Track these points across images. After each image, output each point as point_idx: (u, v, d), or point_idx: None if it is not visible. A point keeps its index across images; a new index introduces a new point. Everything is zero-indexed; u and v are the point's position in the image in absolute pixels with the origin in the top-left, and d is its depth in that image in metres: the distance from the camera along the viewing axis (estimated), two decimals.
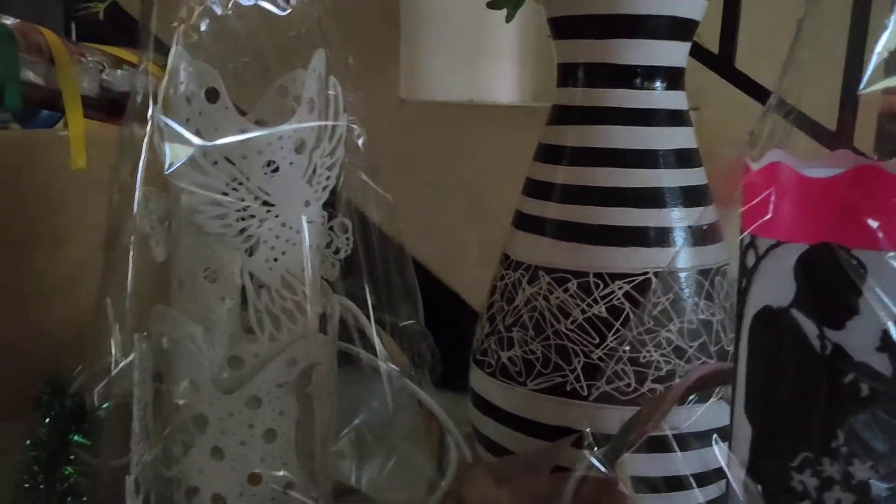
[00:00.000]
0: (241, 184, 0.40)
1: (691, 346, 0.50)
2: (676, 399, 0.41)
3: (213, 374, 0.41)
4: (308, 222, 0.43)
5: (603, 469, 0.42)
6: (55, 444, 0.49)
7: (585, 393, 0.50)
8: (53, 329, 0.57)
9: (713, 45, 0.73)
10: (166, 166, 0.39)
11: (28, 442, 0.49)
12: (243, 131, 0.40)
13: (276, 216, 0.41)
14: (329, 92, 0.42)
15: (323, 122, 0.42)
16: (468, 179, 0.85)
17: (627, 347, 0.49)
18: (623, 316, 0.49)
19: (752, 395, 0.33)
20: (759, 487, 0.32)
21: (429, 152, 0.86)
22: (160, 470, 0.43)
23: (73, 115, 0.58)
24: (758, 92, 0.72)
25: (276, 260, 0.42)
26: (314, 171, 0.42)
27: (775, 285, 0.31)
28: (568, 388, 0.50)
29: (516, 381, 0.52)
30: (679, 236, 0.51)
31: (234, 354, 0.42)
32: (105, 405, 0.51)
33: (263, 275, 0.42)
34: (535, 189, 0.54)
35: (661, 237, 0.50)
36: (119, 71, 0.66)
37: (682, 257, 0.51)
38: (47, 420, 0.49)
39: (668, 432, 0.42)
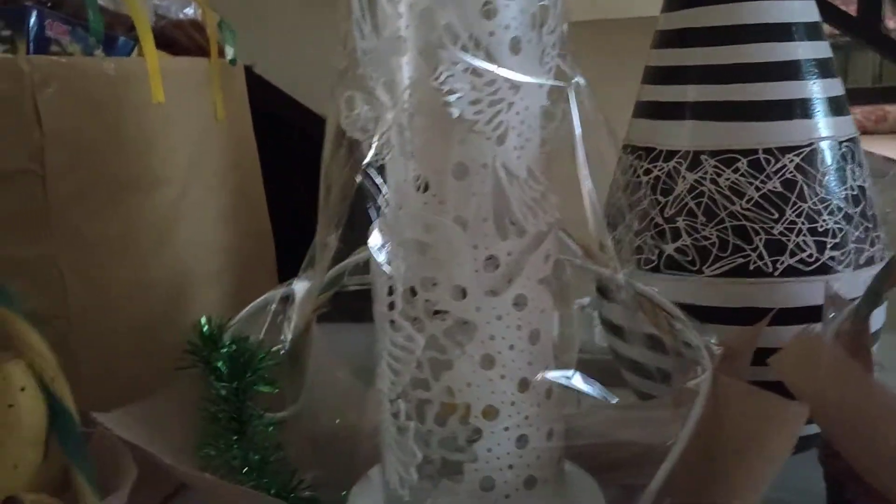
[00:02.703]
0: (493, 63, 0.37)
1: (855, 212, 0.51)
2: None
3: (477, 277, 0.38)
4: (542, 106, 0.40)
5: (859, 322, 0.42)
6: (235, 398, 0.43)
7: (770, 270, 0.49)
8: (164, 279, 0.50)
9: None
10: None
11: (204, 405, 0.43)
12: (487, 2, 0.36)
13: (522, 98, 0.38)
14: None
15: None
16: None
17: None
18: (798, 188, 0.49)
19: None
20: None
21: None
22: (414, 394, 0.39)
23: (147, 44, 0.51)
24: None
25: (522, 148, 0.39)
26: (543, 51, 0.39)
27: None
28: (751, 268, 0.50)
29: (688, 270, 0.51)
30: (824, 107, 0.51)
31: (490, 254, 0.38)
32: (274, 348, 0.46)
33: (512, 164, 0.38)
34: (672, 75, 0.53)
35: (815, 108, 0.51)
36: None
37: (836, 126, 0.51)
38: (213, 374, 0.43)
39: None
